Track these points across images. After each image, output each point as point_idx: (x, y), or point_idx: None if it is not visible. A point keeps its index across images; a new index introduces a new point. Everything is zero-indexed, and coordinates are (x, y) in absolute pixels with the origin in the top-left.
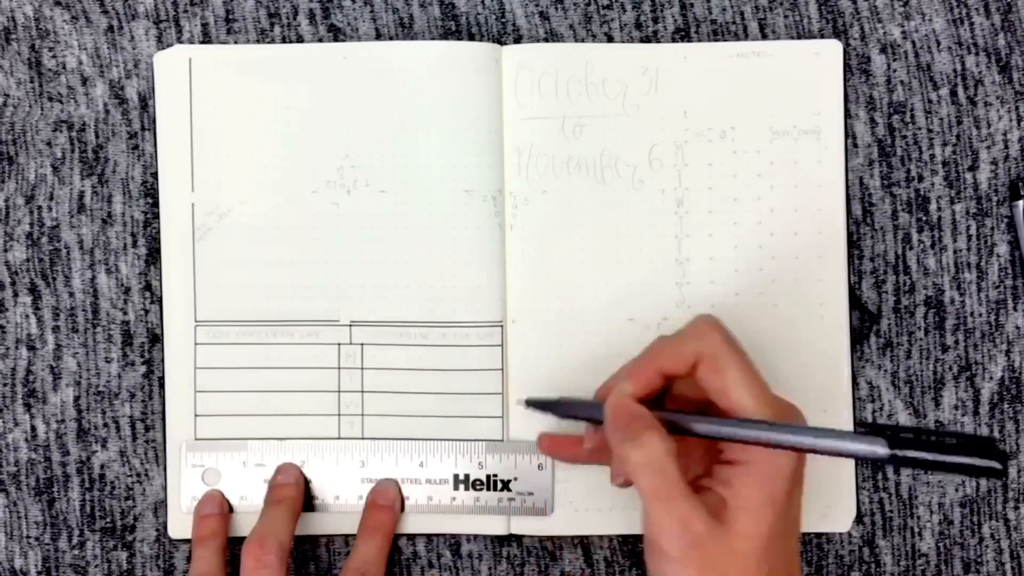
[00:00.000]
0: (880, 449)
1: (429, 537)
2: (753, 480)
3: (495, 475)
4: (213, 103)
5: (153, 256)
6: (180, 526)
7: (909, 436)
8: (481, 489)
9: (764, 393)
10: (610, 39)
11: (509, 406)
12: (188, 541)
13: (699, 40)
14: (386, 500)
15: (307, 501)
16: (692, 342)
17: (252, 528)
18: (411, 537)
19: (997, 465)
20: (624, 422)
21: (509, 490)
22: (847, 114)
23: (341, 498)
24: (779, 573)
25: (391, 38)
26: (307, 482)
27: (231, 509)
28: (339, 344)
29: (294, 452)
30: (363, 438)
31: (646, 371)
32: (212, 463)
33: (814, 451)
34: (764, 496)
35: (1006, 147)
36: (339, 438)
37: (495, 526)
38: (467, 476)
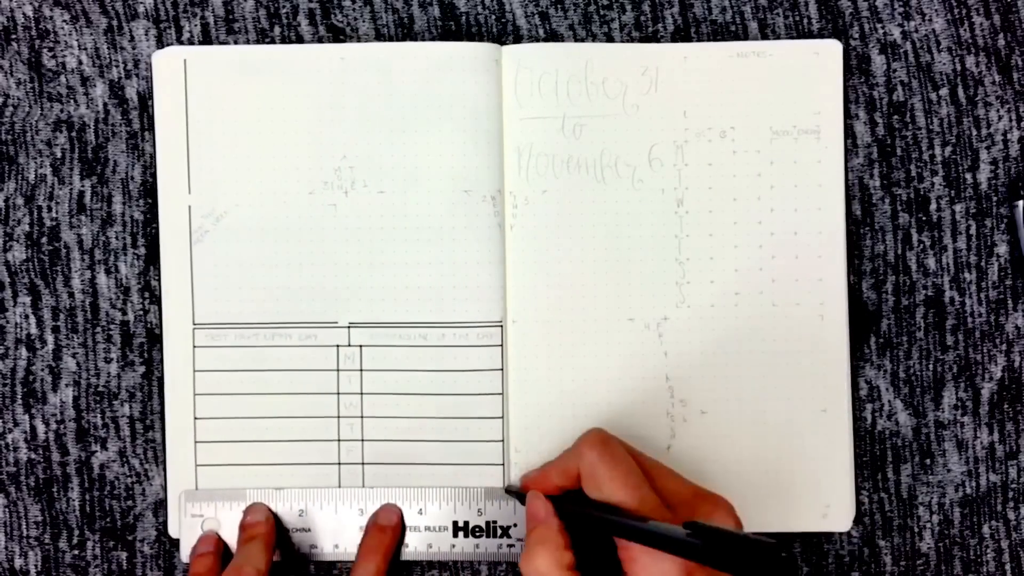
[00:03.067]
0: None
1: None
2: None
3: (495, 522)
4: (209, 104)
5: (153, 256)
6: (179, 526)
7: (711, 531)
8: (481, 536)
9: (636, 490)
10: (610, 39)
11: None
12: None
13: (699, 40)
14: (387, 521)
15: (305, 549)
16: (573, 460)
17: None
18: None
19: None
20: (531, 526)
21: (509, 536)
22: (847, 114)
23: (340, 546)
24: None
25: (391, 38)
26: (287, 530)
27: (228, 550)
28: (338, 346)
29: (293, 501)
30: (363, 487)
31: (546, 482)
32: (211, 513)
33: (642, 541)
34: None
35: (1006, 147)
36: (339, 487)
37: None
38: (467, 523)
